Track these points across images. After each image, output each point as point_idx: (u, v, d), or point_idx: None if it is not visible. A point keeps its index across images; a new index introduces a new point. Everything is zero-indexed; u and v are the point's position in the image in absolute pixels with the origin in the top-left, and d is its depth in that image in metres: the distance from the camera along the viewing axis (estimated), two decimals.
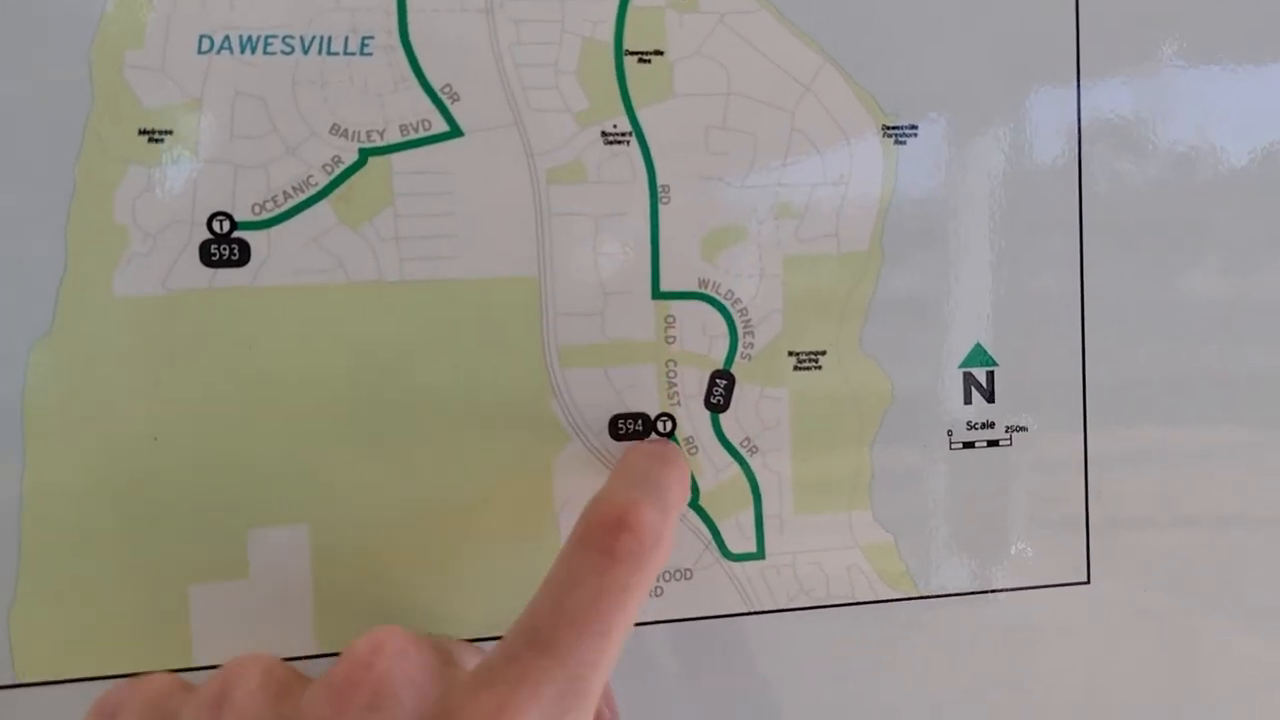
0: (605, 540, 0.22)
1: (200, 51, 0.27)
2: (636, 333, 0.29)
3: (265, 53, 0.27)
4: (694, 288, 0.29)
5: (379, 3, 0.27)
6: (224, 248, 0.27)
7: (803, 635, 0.30)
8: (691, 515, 0.30)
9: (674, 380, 0.29)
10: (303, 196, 0.27)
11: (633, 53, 0.29)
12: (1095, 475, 0.32)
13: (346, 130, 0.27)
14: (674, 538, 0.29)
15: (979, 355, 0.31)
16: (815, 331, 0.30)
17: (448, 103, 0.28)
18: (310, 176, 0.27)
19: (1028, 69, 0.31)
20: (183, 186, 0.27)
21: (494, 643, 0.22)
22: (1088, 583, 0.32)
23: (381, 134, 0.28)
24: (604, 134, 0.28)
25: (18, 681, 0.27)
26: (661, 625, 0.30)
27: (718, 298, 0.29)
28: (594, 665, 0.21)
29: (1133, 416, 0.32)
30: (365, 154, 0.28)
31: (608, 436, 0.29)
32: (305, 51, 0.27)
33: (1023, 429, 0.31)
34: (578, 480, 0.29)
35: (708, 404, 0.30)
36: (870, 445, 0.30)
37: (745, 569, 0.30)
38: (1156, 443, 0.32)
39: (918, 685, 0.31)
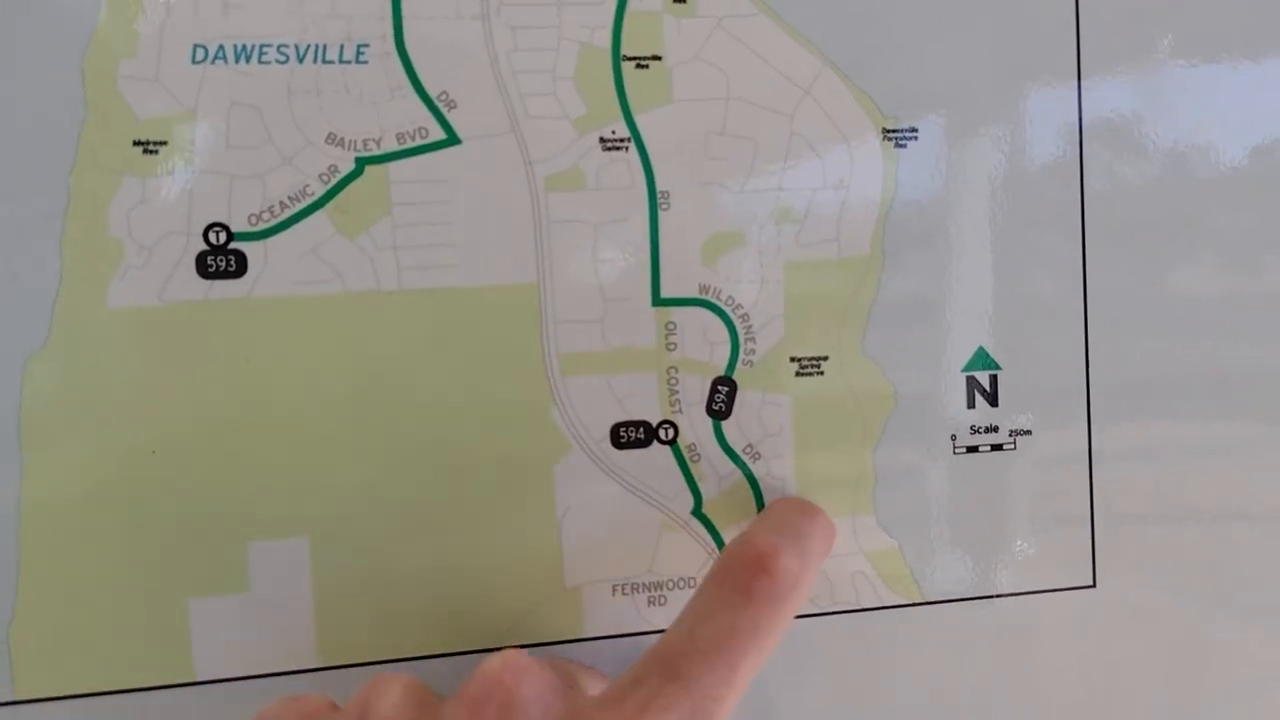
0: (743, 579, 0.23)
1: (194, 61, 0.27)
2: (637, 340, 0.29)
3: (260, 62, 0.27)
4: (695, 294, 0.29)
5: (374, 10, 0.27)
6: (220, 259, 0.27)
7: (807, 642, 0.30)
8: (695, 524, 0.29)
9: (675, 387, 0.29)
10: (299, 206, 0.27)
11: (630, 58, 0.28)
12: (1100, 478, 0.31)
13: (343, 139, 0.27)
14: (678, 544, 0.29)
15: (982, 359, 0.31)
16: (817, 337, 0.30)
17: (444, 110, 0.28)
18: (307, 186, 0.27)
19: (1028, 69, 0.30)
20: (178, 197, 0.27)
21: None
22: (1093, 586, 0.32)
23: (378, 142, 0.27)
24: (602, 140, 0.28)
25: (18, 699, 0.27)
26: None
27: (719, 304, 0.29)
28: (719, 698, 0.21)
29: (1137, 416, 0.32)
30: (362, 163, 0.27)
31: (609, 444, 0.29)
32: (300, 60, 0.27)
33: (1026, 432, 0.31)
34: (579, 489, 0.29)
35: (709, 411, 0.29)
36: (873, 450, 0.30)
37: None
38: (1161, 442, 0.32)
39: (924, 691, 0.31)
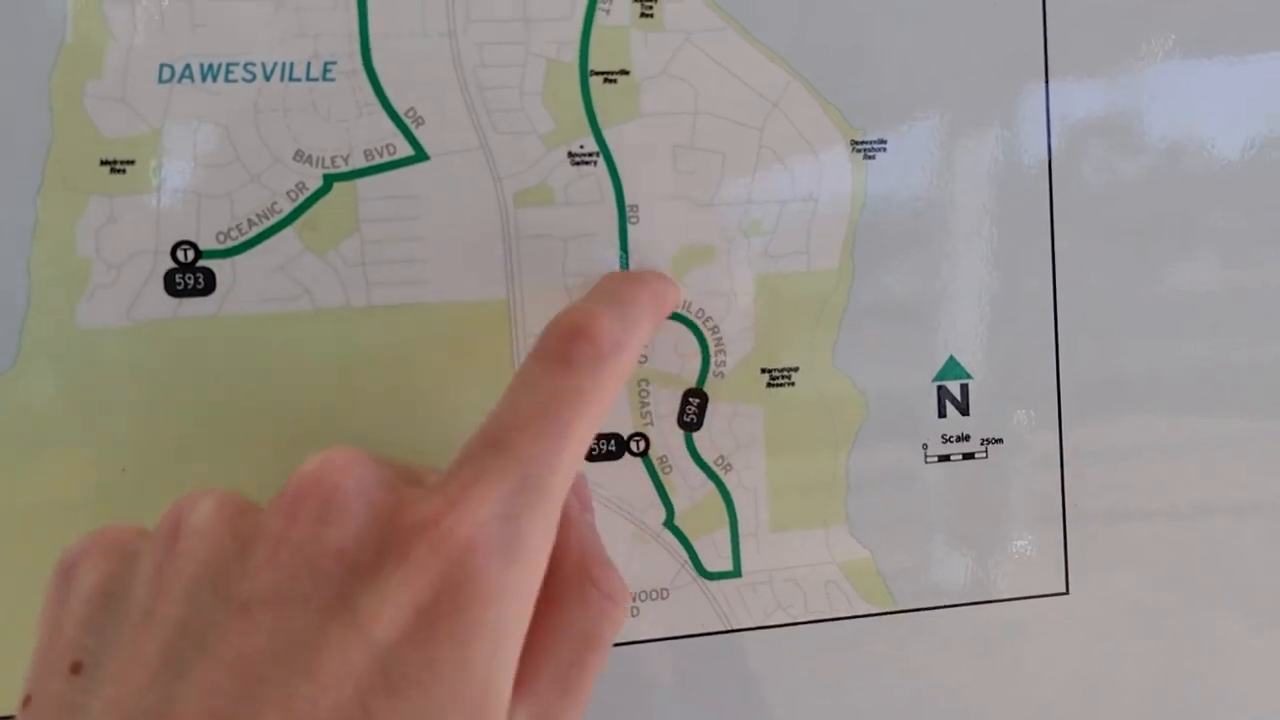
0: (560, 348, 0.22)
1: (161, 80, 0.27)
2: None
3: (227, 80, 0.27)
4: None
5: (340, 28, 0.27)
6: (189, 277, 0.27)
7: (781, 652, 0.30)
8: (666, 535, 0.30)
9: (646, 400, 0.29)
10: (267, 224, 0.27)
11: (598, 73, 0.28)
12: (1072, 485, 0.32)
13: (310, 156, 0.27)
14: (650, 555, 0.29)
15: (953, 368, 0.31)
16: (787, 348, 0.30)
17: (412, 127, 0.28)
18: (275, 204, 0.27)
19: (996, 78, 0.31)
20: (146, 216, 0.27)
21: None
22: (1066, 593, 0.32)
23: (346, 159, 0.27)
24: (571, 155, 0.28)
25: None
26: (638, 645, 0.29)
27: (689, 317, 0.29)
28: (551, 466, 0.20)
29: (1110, 422, 0.32)
30: (330, 180, 0.27)
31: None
32: (267, 78, 0.27)
33: (998, 441, 0.31)
34: None
35: (681, 423, 0.29)
36: (845, 460, 0.30)
37: (722, 587, 0.30)
38: (1136, 440, 0.32)
39: (898, 700, 0.31)
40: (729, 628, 0.30)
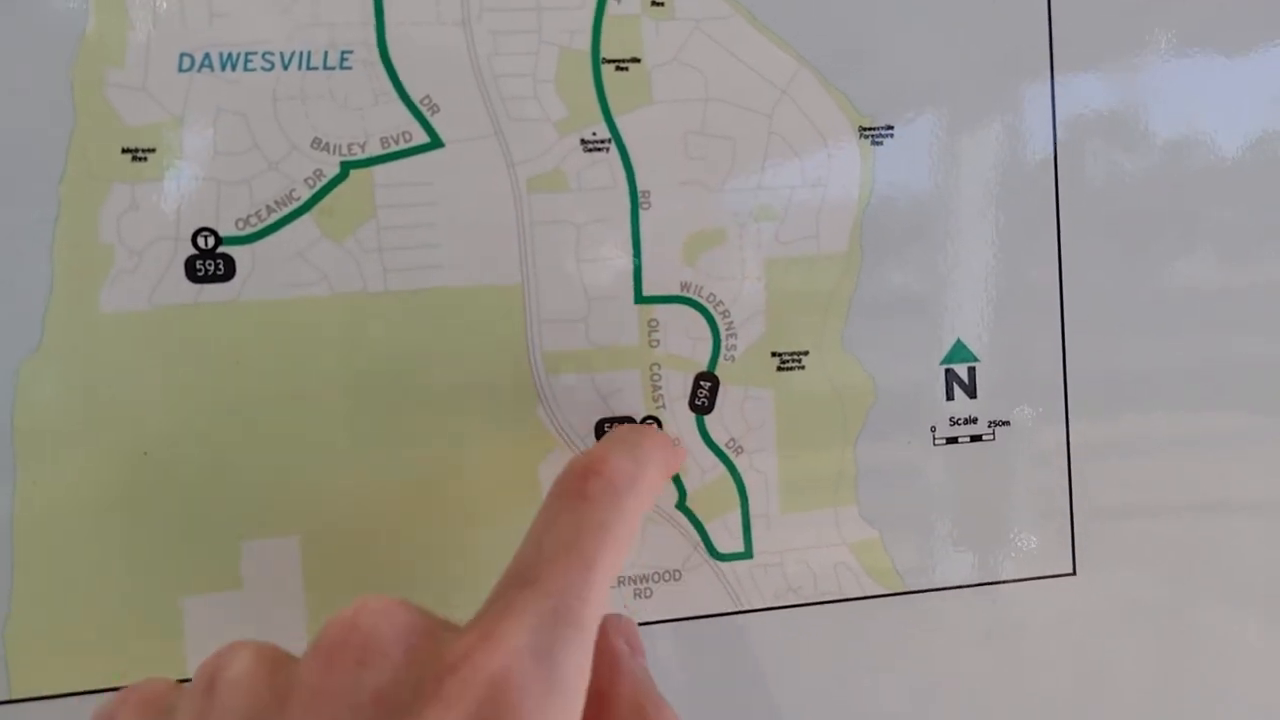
0: (577, 485, 0.23)
1: (181, 69, 0.27)
2: (621, 337, 0.29)
3: (246, 69, 0.27)
4: (676, 291, 0.30)
5: (357, 17, 0.28)
6: (209, 263, 0.27)
7: (791, 633, 0.31)
8: (679, 516, 0.30)
9: (659, 384, 0.30)
10: (286, 211, 0.28)
11: (610, 61, 0.29)
12: (1079, 467, 0.32)
13: (328, 144, 0.28)
14: (662, 536, 0.29)
15: (960, 351, 0.31)
16: (797, 332, 0.30)
17: (427, 114, 0.28)
18: (293, 190, 0.28)
19: (1002, 66, 0.31)
20: (167, 203, 0.27)
21: None
22: (1074, 574, 0.32)
23: (363, 147, 0.28)
24: (583, 142, 0.29)
25: (12, 697, 0.27)
26: (651, 626, 0.30)
27: (700, 301, 0.30)
28: (581, 597, 0.20)
29: (1115, 407, 0.32)
30: (347, 167, 0.28)
31: (594, 440, 0.29)
32: (285, 67, 0.27)
33: (1005, 423, 0.31)
34: None
35: (692, 406, 0.30)
36: (854, 443, 0.31)
37: (734, 568, 0.30)
38: (1140, 433, 0.33)
39: (907, 680, 0.31)
40: (741, 608, 0.30)
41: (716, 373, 0.30)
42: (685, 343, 0.30)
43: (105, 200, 0.27)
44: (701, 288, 0.30)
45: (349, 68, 0.28)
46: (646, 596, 0.30)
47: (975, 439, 0.31)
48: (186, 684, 0.21)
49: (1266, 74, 0.33)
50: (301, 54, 0.27)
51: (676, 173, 0.29)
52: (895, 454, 0.31)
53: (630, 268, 0.29)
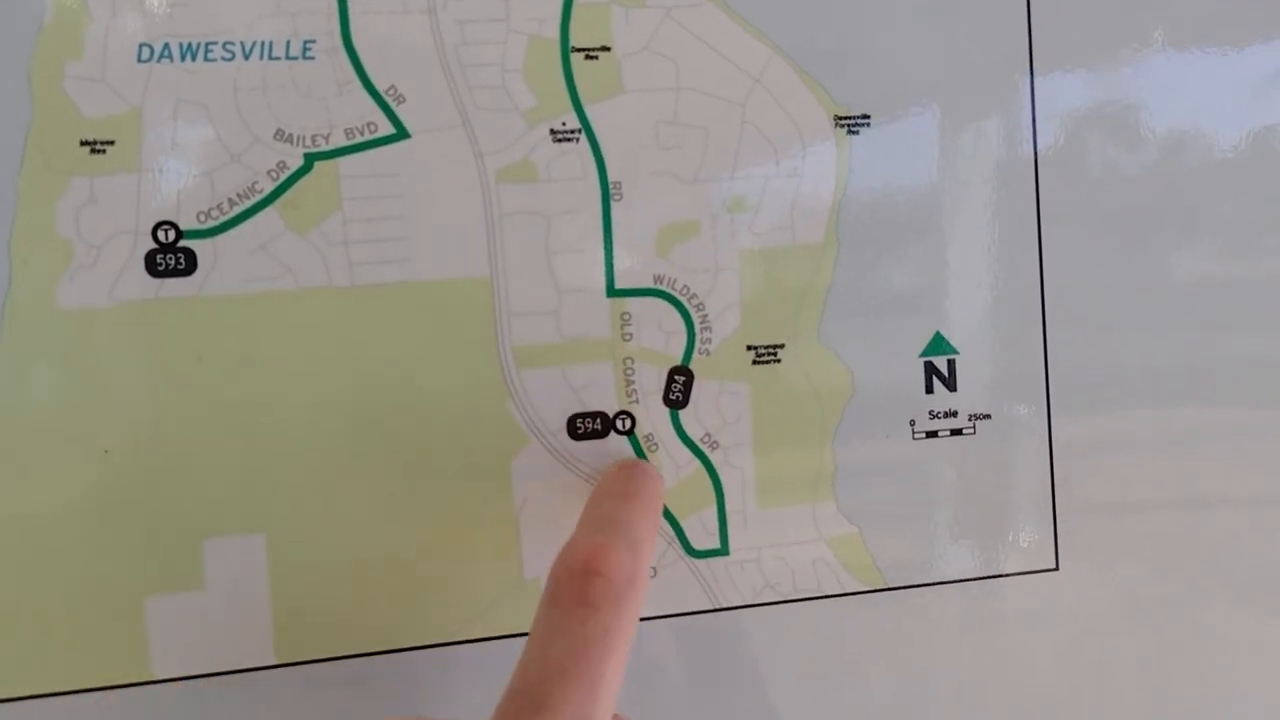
0: (578, 590, 0.22)
1: (140, 60, 0.27)
2: (592, 331, 0.29)
3: (206, 60, 0.27)
4: (649, 284, 0.29)
5: (320, 6, 0.27)
6: (170, 257, 0.27)
7: (769, 630, 0.30)
8: None
9: (632, 378, 0.29)
10: (248, 203, 0.27)
11: (579, 49, 0.28)
12: (1061, 461, 0.31)
13: (291, 135, 0.27)
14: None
15: (939, 344, 0.31)
16: (773, 325, 0.30)
17: (393, 105, 0.28)
18: (255, 183, 0.27)
19: (982, 56, 0.30)
20: (126, 197, 0.27)
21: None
22: (1056, 569, 0.32)
23: (327, 138, 0.27)
24: (553, 132, 0.28)
25: None
26: None
27: (673, 293, 0.29)
28: (589, 714, 0.20)
29: (1097, 401, 0.32)
30: (311, 159, 0.27)
31: (566, 436, 0.29)
32: (246, 57, 0.27)
33: (986, 416, 0.31)
34: (536, 481, 0.29)
35: (666, 401, 0.29)
36: (832, 437, 0.30)
37: (710, 565, 0.30)
38: (1122, 427, 0.32)
39: (888, 678, 0.31)
40: (717, 606, 0.30)
41: (691, 367, 0.29)
42: (659, 336, 0.29)
43: (63, 194, 0.26)
44: (675, 280, 0.29)
45: (312, 58, 0.27)
46: None
47: (955, 433, 0.31)
48: None
49: (1247, 67, 0.32)
50: (263, 44, 0.27)
51: (648, 163, 0.29)
52: (874, 449, 0.30)
53: (602, 260, 0.29)
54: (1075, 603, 0.32)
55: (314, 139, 0.27)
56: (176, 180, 0.27)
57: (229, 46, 0.27)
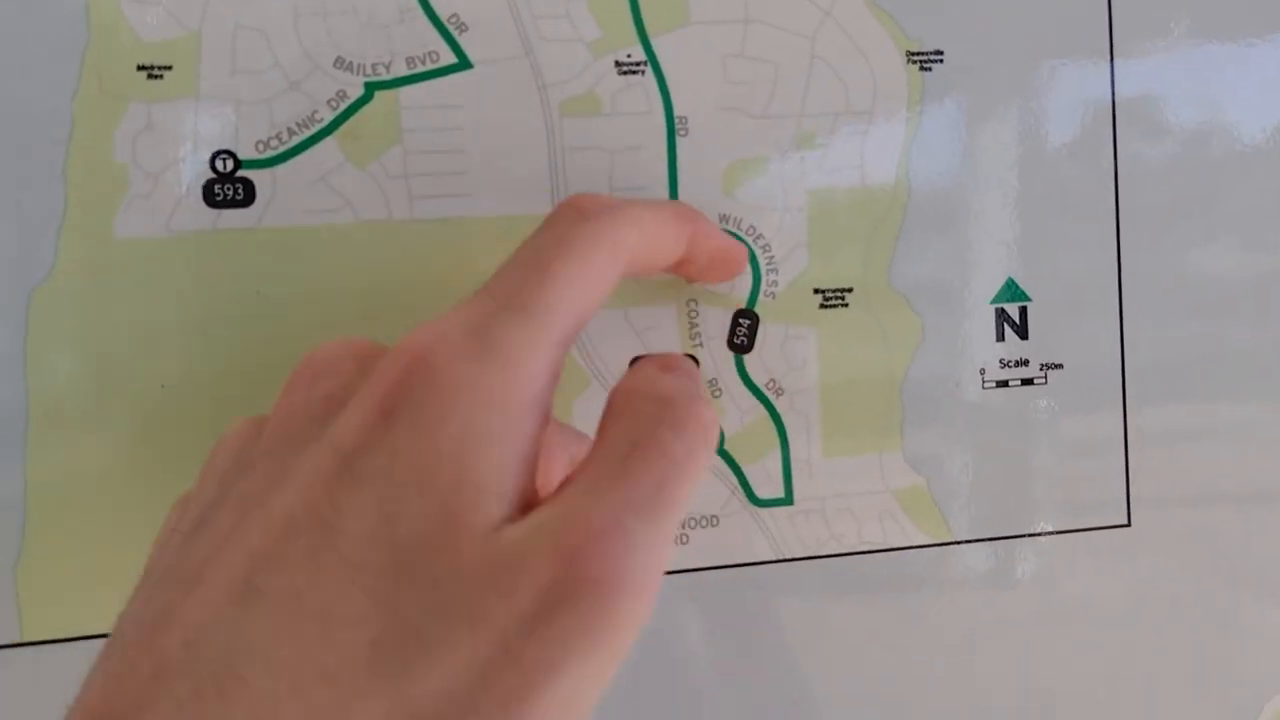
0: (546, 218, 0.22)
1: None
2: None
3: None
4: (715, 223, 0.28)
5: None
6: (228, 187, 0.26)
7: (834, 583, 0.29)
8: (716, 460, 0.29)
9: (695, 321, 0.28)
10: (308, 133, 0.26)
11: None
12: (1135, 412, 0.30)
13: (351, 64, 0.26)
14: (703, 484, 0.28)
15: (1011, 290, 0.30)
16: (841, 268, 0.29)
17: (455, 33, 0.27)
18: (315, 112, 0.26)
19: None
20: (184, 124, 0.26)
21: None
22: (1128, 525, 0.31)
23: (388, 67, 0.27)
24: (618, 64, 0.27)
25: (24, 640, 0.26)
26: (688, 574, 0.29)
27: (739, 233, 0.28)
28: (529, 292, 0.20)
29: (1177, 347, 0.31)
30: (371, 88, 0.27)
31: None
32: None
33: (1058, 366, 0.30)
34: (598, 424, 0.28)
35: (731, 345, 0.29)
36: (900, 384, 0.29)
37: (773, 515, 0.29)
38: (1201, 370, 0.31)
39: (953, 633, 0.30)
40: (781, 557, 0.29)
41: (756, 310, 0.29)
42: None
43: (120, 120, 0.26)
44: (741, 220, 0.28)
45: None
46: (683, 543, 0.29)
47: (1026, 382, 0.30)
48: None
49: None
50: None
51: (715, 98, 0.28)
52: (943, 397, 0.29)
53: (666, 197, 0.28)
54: (1147, 558, 0.31)
55: (375, 68, 0.27)
56: (235, 108, 0.26)
57: None
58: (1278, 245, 0.31)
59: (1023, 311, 0.30)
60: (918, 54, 0.29)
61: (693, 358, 0.28)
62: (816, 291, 0.29)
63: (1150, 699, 0.31)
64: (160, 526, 0.23)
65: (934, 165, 0.29)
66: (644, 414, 0.20)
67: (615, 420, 0.20)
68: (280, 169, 0.26)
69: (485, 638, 0.16)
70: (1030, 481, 0.30)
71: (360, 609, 0.17)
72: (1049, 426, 0.30)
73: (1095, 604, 0.31)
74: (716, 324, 0.28)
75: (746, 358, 0.29)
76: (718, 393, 0.28)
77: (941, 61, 0.29)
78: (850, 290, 0.29)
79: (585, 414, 0.28)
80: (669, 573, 0.28)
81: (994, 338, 0.30)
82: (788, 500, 0.29)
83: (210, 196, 0.26)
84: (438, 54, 0.27)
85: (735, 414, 0.29)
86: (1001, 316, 0.30)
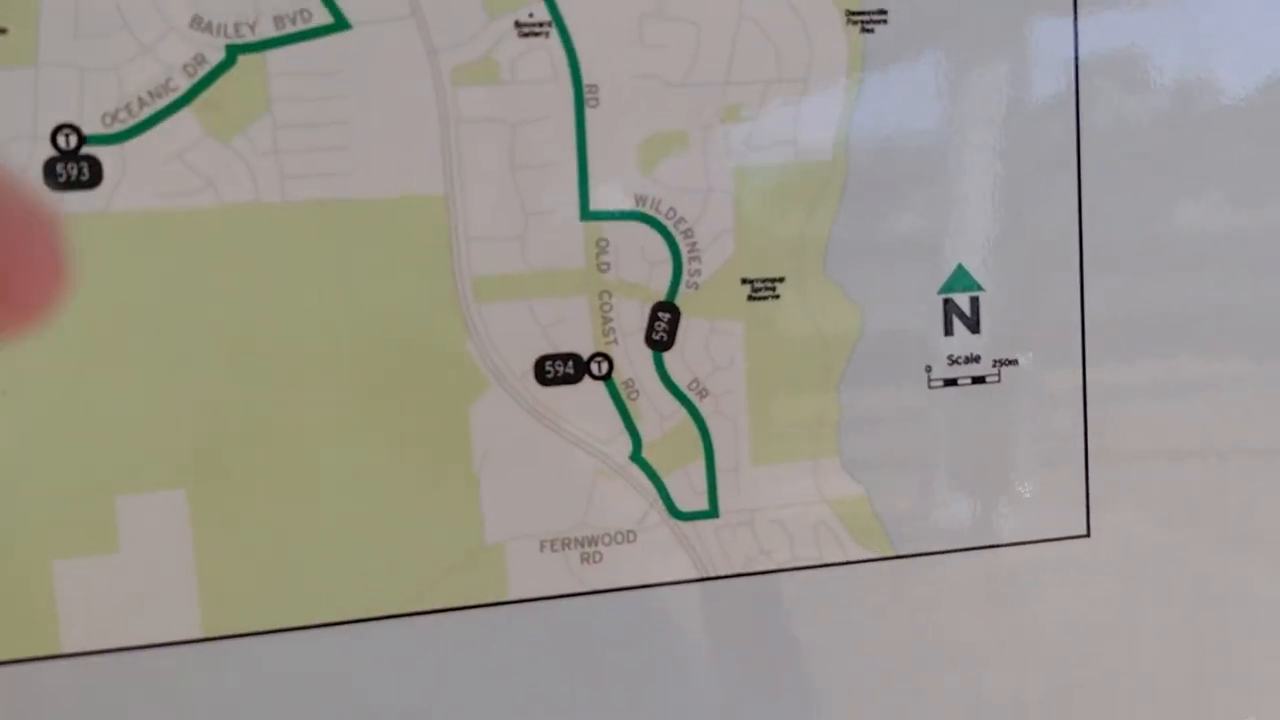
0: None
1: None
2: (563, 260, 0.25)
3: None
4: (630, 206, 0.25)
5: None
6: (71, 166, 0.23)
7: (763, 603, 0.27)
8: (633, 469, 0.26)
9: (609, 315, 0.26)
10: (161, 104, 0.23)
11: None
12: (1095, 413, 0.28)
13: (210, 24, 0.23)
14: (613, 492, 0.25)
15: (962, 279, 0.27)
16: (772, 255, 0.26)
17: None
18: (169, 80, 0.23)
19: None
20: (21, 95, 0.23)
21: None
22: (1087, 535, 0.28)
23: (252, 27, 0.24)
24: (518, 24, 0.24)
25: None
26: (602, 595, 0.26)
27: (658, 217, 0.26)
28: None
29: (1133, 348, 0.28)
30: (234, 52, 0.24)
31: (533, 380, 0.25)
32: None
33: (1013, 363, 0.27)
34: (499, 431, 0.25)
35: (649, 341, 0.26)
36: (837, 385, 0.27)
37: (696, 529, 0.26)
38: (1158, 376, 0.29)
39: (895, 656, 0.28)
40: (705, 575, 0.26)
41: (677, 302, 0.26)
42: (640, 267, 0.26)
43: None
44: (659, 201, 0.25)
45: None
46: (596, 561, 0.26)
47: (978, 380, 0.27)
48: None
49: None
50: None
51: (630, 64, 0.25)
52: (884, 398, 0.27)
53: (575, 177, 0.25)
54: (1108, 570, 0.28)
55: (238, 28, 0.23)
56: (79, 76, 0.23)
57: None
58: (1247, 240, 0.28)
59: (974, 302, 0.27)
60: (859, 13, 0.26)
61: (606, 356, 0.25)
62: (744, 281, 0.26)
63: (1108, 715, 0.29)
64: None
65: (876, 139, 0.26)
66: None
67: None
68: (130, 145, 0.23)
69: None
70: (981, 490, 0.28)
71: None
72: (1002, 429, 0.27)
73: (1053, 620, 0.28)
74: (633, 318, 0.26)
75: (666, 355, 0.26)
76: (634, 394, 0.26)
77: (885, 22, 0.26)
78: (782, 280, 0.26)
79: (483, 422, 0.25)
80: (580, 594, 0.26)
81: (942, 331, 0.27)
82: (713, 513, 0.26)
83: (52, 176, 0.23)
84: (310, 12, 0.24)
85: (655, 418, 0.26)
86: (951, 308, 0.27)
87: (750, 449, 0.26)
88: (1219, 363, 0.29)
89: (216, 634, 0.25)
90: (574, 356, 0.25)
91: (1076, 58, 0.27)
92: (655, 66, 0.25)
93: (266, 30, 0.24)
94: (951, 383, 0.27)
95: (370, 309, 0.24)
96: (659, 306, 0.26)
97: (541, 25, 0.24)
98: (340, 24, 0.24)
